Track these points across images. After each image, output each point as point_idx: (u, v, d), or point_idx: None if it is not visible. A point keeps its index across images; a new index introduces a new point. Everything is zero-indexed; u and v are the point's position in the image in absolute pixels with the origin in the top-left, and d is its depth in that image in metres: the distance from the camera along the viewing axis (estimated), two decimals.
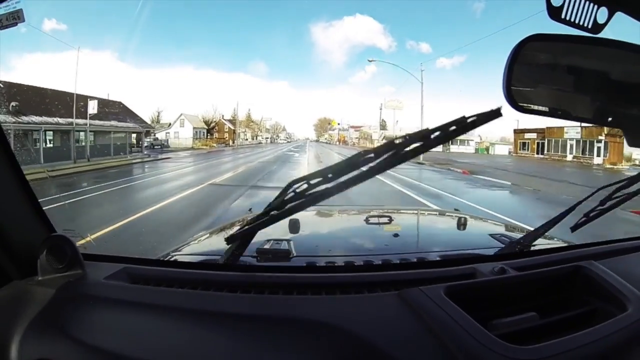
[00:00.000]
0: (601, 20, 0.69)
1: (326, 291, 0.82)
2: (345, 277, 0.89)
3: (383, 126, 47.57)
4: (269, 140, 64.73)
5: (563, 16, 0.68)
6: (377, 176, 0.69)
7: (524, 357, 0.60)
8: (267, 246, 1.12)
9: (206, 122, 41.06)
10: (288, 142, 68.63)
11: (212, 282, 0.86)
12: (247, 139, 54.62)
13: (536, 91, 0.75)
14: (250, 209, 2.56)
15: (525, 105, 0.73)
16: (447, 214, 2.32)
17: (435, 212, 2.91)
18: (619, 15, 0.69)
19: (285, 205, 0.77)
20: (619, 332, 0.66)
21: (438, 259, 1.14)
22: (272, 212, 0.80)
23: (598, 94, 0.73)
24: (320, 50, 70.50)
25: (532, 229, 1.40)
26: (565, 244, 1.15)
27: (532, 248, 1.15)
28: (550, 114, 0.74)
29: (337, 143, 61.88)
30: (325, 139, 71.53)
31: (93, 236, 4.79)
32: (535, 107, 0.74)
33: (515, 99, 0.72)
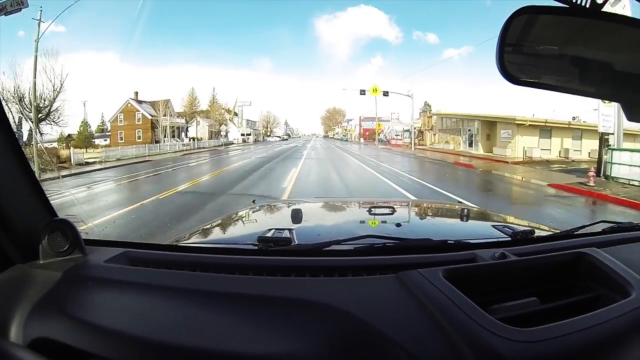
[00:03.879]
0: None
1: (324, 274, 0.82)
2: (344, 260, 0.89)
3: (427, 110, 33.66)
4: (249, 138, 40.82)
5: None
6: None
7: (523, 338, 0.59)
8: (268, 234, 1.12)
9: (21, 101, 18.53)
10: (283, 139, 50.12)
11: (211, 264, 0.87)
12: (185, 139, 30.58)
13: (530, 64, 0.73)
14: (253, 201, 2.57)
15: (519, 77, 0.72)
16: (450, 205, 2.31)
17: (438, 204, 2.90)
18: None
19: None
20: (621, 317, 0.65)
21: (438, 245, 1.14)
22: None
23: (595, 67, 0.70)
24: (325, 43, 69.22)
25: (536, 224, 1.38)
26: (568, 234, 1.13)
27: (534, 236, 1.14)
28: (546, 87, 0.72)
29: (363, 140, 41.88)
30: (338, 134, 57.65)
31: None
32: (530, 80, 0.72)
33: (509, 72, 0.70)
